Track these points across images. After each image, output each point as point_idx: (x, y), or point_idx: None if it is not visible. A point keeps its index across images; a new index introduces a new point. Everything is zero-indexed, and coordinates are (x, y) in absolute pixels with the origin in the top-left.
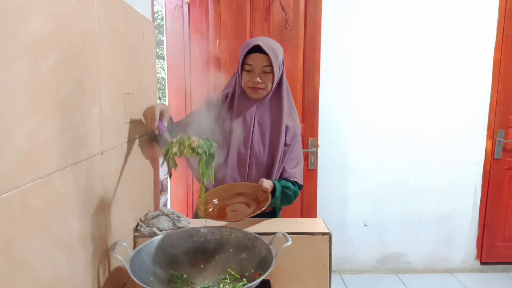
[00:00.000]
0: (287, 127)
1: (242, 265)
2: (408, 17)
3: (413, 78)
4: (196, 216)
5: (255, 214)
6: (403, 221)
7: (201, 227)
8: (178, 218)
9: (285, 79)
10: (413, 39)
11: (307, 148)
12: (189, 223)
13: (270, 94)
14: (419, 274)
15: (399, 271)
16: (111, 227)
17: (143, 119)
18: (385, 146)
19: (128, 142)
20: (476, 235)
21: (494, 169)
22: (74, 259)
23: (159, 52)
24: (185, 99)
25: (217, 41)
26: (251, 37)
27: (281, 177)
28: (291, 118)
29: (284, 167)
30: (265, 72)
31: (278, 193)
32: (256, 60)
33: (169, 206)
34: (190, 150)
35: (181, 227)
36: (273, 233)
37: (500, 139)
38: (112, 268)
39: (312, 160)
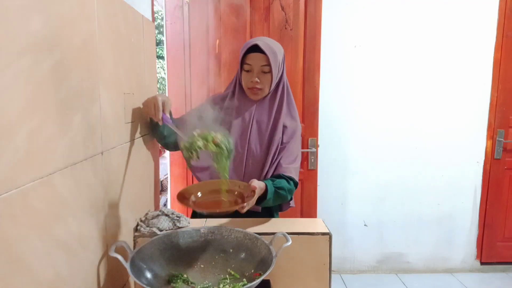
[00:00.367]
0: (285, 127)
1: (242, 265)
2: (408, 17)
3: (413, 78)
4: (194, 215)
5: (229, 209)
6: (403, 221)
7: (201, 227)
8: (178, 218)
9: (285, 79)
10: (413, 39)
11: (307, 148)
12: (189, 223)
13: (270, 94)
14: (419, 274)
15: (399, 271)
16: (111, 227)
17: (144, 110)
18: (385, 146)
19: (128, 142)
20: (476, 235)
21: (494, 169)
22: (74, 259)
23: (159, 52)
24: (185, 99)
25: (217, 41)
26: (251, 37)
27: (275, 173)
28: (291, 118)
29: (279, 162)
30: (264, 72)
31: (270, 195)
32: (254, 59)
33: (169, 206)
34: (214, 145)
35: (181, 227)
36: (273, 233)
37: (500, 139)
38: (112, 268)
39: (312, 160)
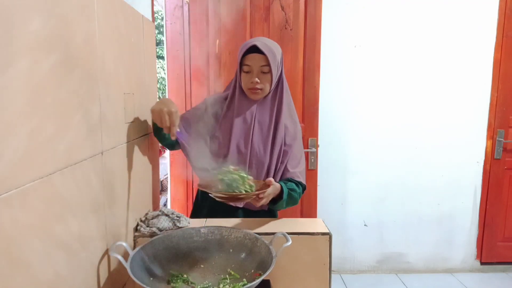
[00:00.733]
0: (286, 127)
1: (242, 265)
2: (408, 17)
3: (413, 78)
4: (194, 216)
5: (247, 198)
6: (403, 221)
7: (201, 227)
8: (178, 218)
9: (284, 79)
10: (413, 39)
11: (307, 148)
12: (189, 223)
13: (270, 94)
14: (419, 274)
15: (399, 271)
16: (111, 227)
17: (154, 118)
18: (385, 146)
19: (128, 142)
20: (476, 235)
21: (494, 169)
22: (74, 259)
23: (159, 52)
24: (185, 99)
25: (217, 41)
26: (251, 37)
27: (283, 177)
28: (290, 118)
29: (286, 167)
30: (263, 72)
31: (285, 195)
32: (253, 60)
33: (169, 206)
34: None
35: (181, 227)
36: (273, 233)
37: (500, 139)
38: (112, 268)
39: (312, 160)
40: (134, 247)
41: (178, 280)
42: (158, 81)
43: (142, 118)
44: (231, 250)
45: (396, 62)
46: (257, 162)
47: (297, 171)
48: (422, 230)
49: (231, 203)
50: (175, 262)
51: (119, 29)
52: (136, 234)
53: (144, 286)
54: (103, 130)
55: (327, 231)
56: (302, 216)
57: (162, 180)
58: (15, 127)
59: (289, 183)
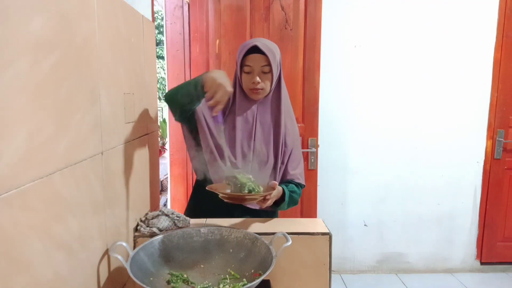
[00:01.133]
0: (286, 127)
1: (242, 265)
2: (408, 17)
3: (413, 78)
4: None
5: (253, 199)
6: (403, 221)
7: (201, 227)
8: (178, 218)
9: (282, 79)
10: (413, 39)
11: (307, 148)
12: (189, 223)
13: (270, 94)
14: (419, 274)
15: (399, 271)
16: (111, 227)
17: (210, 88)
18: (385, 146)
19: (128, 142)
20: (476, 235)
21: (494, 169)
22: (74, 259)
23: (159, 52)
24: None
25: (217, 41)
26: (251, 37)
27: (283, 179)
28: (290, 119)
29: (286, 169)
30: (264, 72)
31: (287, 197)
32: (254, 60)
33: (169, 206)
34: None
35: (181, 227)
36: (273, 233)
37: (500, 139)
38: (112, 268)
39: (312, 160)
40: (134, 247)
41: (178, 280)
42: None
43: (142, 118)
44: (231, 250)
45: (396, 62)
46: (260, 162)
47: (297, 173)
48: (422, 230)
49: (238, 204)
50: (175, 262)
51: (119, 29)
52: (136, 234)
53: (144, 286)
54: (103, 130)
55: (327, 231)
56: (302, 216)
57: (162, 180)
58: (15, 127)
59: (290, 185)
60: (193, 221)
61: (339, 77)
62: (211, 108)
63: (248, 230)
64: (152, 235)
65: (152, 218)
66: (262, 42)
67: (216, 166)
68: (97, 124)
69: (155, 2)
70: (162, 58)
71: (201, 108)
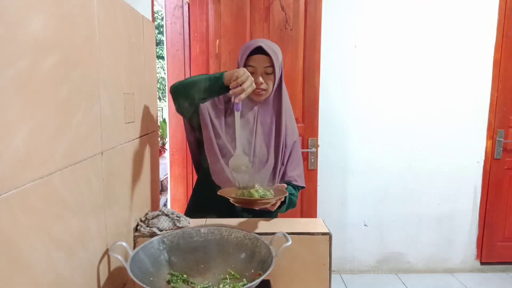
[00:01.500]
0: (286, 128)
1: (242, 265)
2: (408, 17)
3: (413, 78)
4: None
5: (264, 203)
6: (403, 221)
7: (201, 227)
8: (178, 218)
9: (283, 81)
10: (413, 39)
11: (307, 148)
12: (189, 223)
13: (271, 95)
14: (419, 274)
15: (399, 271)
16: (111, 227)
17: (237, 73)
18: (385, 145)
19: (128, 142)
20: (476, 235)
21: (494, 169)
22: (74, 259)
23: (159, 52)
24: None
25: (217, 41)
26: (251, 37)
27: (282, 180)
28: (290, 120)
29: (285, 170)
30: (267, 73)
31: (287, 200)
32: (258, 61)
33: (169, 206)
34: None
35: (181, 227)
36: (273, 233)
37: (500, 139)
38: (112, 268)
39: (312, 160)
40: (134, 247)
41: (178, 280)
42: (158, 81)
43: (142, 118)
44: (231, 250)
45: (396, 61)
46: (260, 163)
47: (295, 174)
48: (422, 230)
49: (246, 207)
50: (175, 262)
51: (119, 29)
52: (136, 234)
53: (144, 286)
54: (103, 130)
55: (327, 231)
56: (302, 216)
57: (162, 180)
58: (15, 127)
59: (289, 187)
60: (193, 221)
61: (339, 77)
62: (235, 95)
63: (248, 230)
64: (152, 235)
65: (152, 218)
66: (266, 43)
67: (218, 165)
68: (97, 124)
69: (155, 2)
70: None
71: (206, 106)
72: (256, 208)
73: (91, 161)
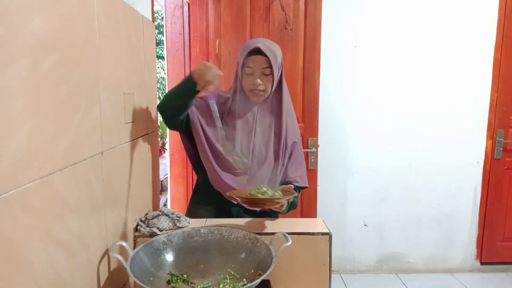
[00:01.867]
0: (287, 128)
1: (242, 265)
2: (408, 17)
3: (413, 78)
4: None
5: (273, 203)
6: (403, 221)
7: (201, 227)
8: (178, 218)
9: (283, 81)
10: (413, 39)
11: (307, 148)
12: (189, 223)
13: (270, 95)
14: (419, 274)
15: (399, 271)
16: (111, 227)
17: (199, 72)
18: (385, 146)
19: (128, 142)
20: (476, 235)
21: (494, 169)
22: (74, 259)
23: (159, 52)
24: None
25: (217, 41)
26: (251, 37)
27: (283, 181)
28: (291, 120)
29: (286, 171)
30: (265, 74)
31: (289, 202)
32: (256, 62)
33: (169, 206)
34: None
35: (181, 227)
36: (273, 233)
37: (500, 139)
38: (112, 268)
39: (312, 160)
40: (134, 247)
41: (178, 280)
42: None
43: (142, 118)
44: (231, 250)
45: (396, 62)
46: (259, 163)
47: (296, 175)
48: (422, 230)
49: (255, 208)
50: (175, 262)
51: (119, 29)
52: (136, 234)
53: (144, 286)
54: (103, 130)
55: (327, 231)
56: (302, 216)
57: (162, 180)
58: (15, 127)
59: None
60: (193, 221)
61: (339, 77)
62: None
63: (248, 230)
64: (152, 235)
65: (152, 218)
66: (264, 44)
67: (215, 174)
68: (97, 124)
69: (155, 2)
70: (162, 58)
71: (197, 115)
72: (265, 209)
73: (91, 161)
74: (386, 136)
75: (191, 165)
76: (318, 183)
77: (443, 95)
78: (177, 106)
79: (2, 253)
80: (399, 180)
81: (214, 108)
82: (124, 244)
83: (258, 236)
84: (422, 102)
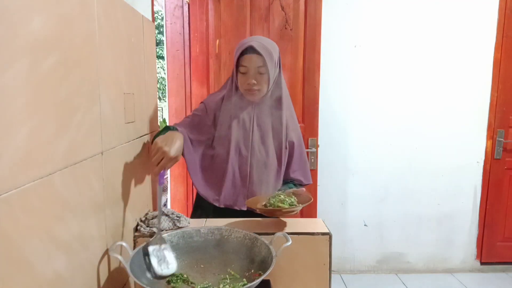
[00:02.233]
0: (287, 127)
1: (242, 265)
2: (408, 17)
3: (413, 78)
4: (193, 216)
5: (292, 209)
6: (403, 221)
7: (201, 227)
8: (178, 218)
9: (282, 78)
10: (413, 39)
11: (307, 148)
12: (189, 223)
13: (268, 94)
14: (419, 274)
15: (399, 271)
16: (111, 227)
17: (151, 151)
18: (385, 146)
19: (128, 142)
20: (476, 235)
21: (494, 169)
22: (74, 259)
23: (159, 52)
24: (185, 99)
25: (217, 41)
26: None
27: (284, 180)
28: (291, 118)
29: (287, 170)
30: (260, 73)
31: None
32: (250, 61)
33: (169, 206)
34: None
35: (181, 227)
36: (273, 233)
37: (500, 139)
38: (112, 268)
39: (312, 160)
40: (134, 247)
41: (178, 280)
42: (158, 81)
43: (142, 118)
44: (231, 250)
45: (396, 61)
46: (258, 164)
47: (298, 174)
48: (422, 230)
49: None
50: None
51: (119, 29)
52: (136, 234)
53: (144, 286)
54: (103, 130)
55: (327, 231)
56: (302, 216)
57: None
58: (15, 127)
59: (290, 184)
60: (193, 221)
61: (339, 77)
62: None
63: (248, 230)
64: (152, 235)
65: (152, 218)
66: (259, 42)
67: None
68: (97, 124)
69: (155, 2)
70: (162, 58)
71: (187, 133)
72: (283, 218)
73: (91, 161)
74: (386, 136)
75: None
76: (318, 183)
77: (443, 95)
78: None
79: (2, 253)
80: (399, 180)
81: (160, 191)
82: (124, 244)
83: (258, 236)
84: (422, 102)
